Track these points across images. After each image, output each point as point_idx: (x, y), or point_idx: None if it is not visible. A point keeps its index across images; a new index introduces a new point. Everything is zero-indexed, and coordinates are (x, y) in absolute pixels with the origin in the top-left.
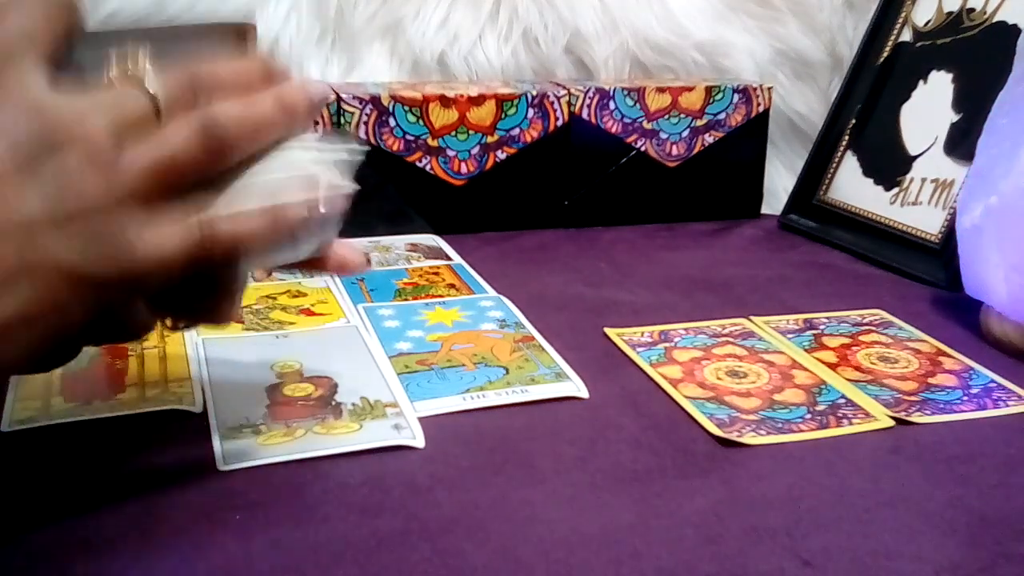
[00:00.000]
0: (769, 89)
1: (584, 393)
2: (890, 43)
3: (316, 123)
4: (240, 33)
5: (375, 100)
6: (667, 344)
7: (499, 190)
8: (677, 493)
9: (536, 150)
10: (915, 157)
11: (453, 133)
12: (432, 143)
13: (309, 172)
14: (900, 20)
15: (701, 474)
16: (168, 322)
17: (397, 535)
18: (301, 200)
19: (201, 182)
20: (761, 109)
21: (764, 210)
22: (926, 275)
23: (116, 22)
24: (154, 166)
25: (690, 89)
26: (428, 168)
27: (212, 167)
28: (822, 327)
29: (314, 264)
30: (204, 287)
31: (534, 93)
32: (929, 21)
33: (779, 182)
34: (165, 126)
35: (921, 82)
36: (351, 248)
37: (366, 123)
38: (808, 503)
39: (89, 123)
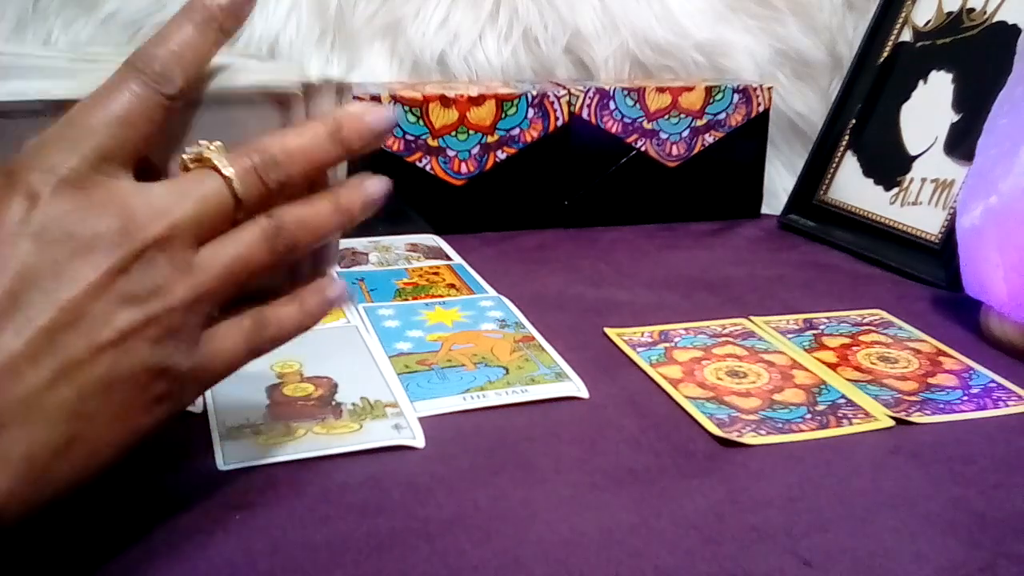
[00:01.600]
0: (769, 89)
1: (584, 393)
2: (890, 43)
3: None
4: (283, 102)
5: (375, 100)
6: (667, 344)
7: (499, 190)
8: (677, 493)
9: (536, 150)
10: (915, 157)
11: (453, 133)
12: (432, 143)
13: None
14: (900, 20)
15: (701, 474)
16: None
17: (397, 535)
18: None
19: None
20: (761, 109)
21: (764, 210)
22: (926, 275)
23: (120, 29)
24: (228, 267)
25: (690, 89)
26: (428, 168)
27: (276, 267)
28: (822, 327)
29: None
30: None
31: (534, 93)
32: (929, 21)
33: (779, 182)
34: (239, 227)
35: (921, 82)
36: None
37: None
38: (808, 503)
39: (172, 218)
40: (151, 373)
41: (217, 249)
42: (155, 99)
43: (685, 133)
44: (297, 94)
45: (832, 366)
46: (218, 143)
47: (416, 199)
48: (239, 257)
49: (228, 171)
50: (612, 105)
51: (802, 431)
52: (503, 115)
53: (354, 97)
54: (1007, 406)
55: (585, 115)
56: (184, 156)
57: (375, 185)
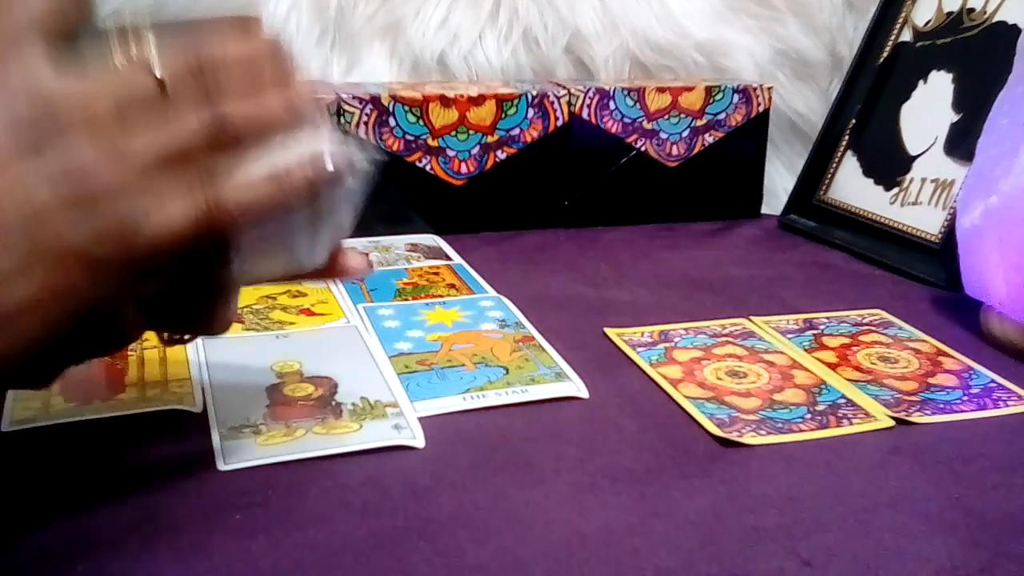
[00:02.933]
0: (769, 89)
1: (584, 393)
2: (890, 43)
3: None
4: (244, 25)
5: (375, 100)
6: (667, 344)
7: (499, 190)
8: (677, 493)
9: (536, 150)
10: (915, 157)
11: (453, 133)
12: (432, 143)
13: (315, 148)
14: (900, 20)
15: (701, 474)
16: (164, 336)
17: (397, 535)
18: (306, 163)
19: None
20: (761, 109)
21: (764, 210)
22: (926, 275)
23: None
24: (160, 154)
25: (690, 89)
26: (428, 168)
27: (216, 159)
28: (822, 327)
29: (319, 272)
30: (200, 287)
31: (534, 93)
32: (929, 21)
33: (779, 182)
34: (174, 112)
35: (921, 82)
36: (354, 253)
37: (366, 123)
38: (808, 503)
39: (94, 107)
40: (75, 256)
41: (150, 136)
42: None
43: (685, 133)
44: (257, 18)
45: (832, 366)
46: (151, 46)
47: (416, 199)
48: (175, 145)
49: (159, 70)
50: (612, 105)
51: (802, 431)
52: (503, 115)
53: (354, 97)
54: (1007, 406)
55: (585, 115)
56: (113, 47)
57: (321, 90)
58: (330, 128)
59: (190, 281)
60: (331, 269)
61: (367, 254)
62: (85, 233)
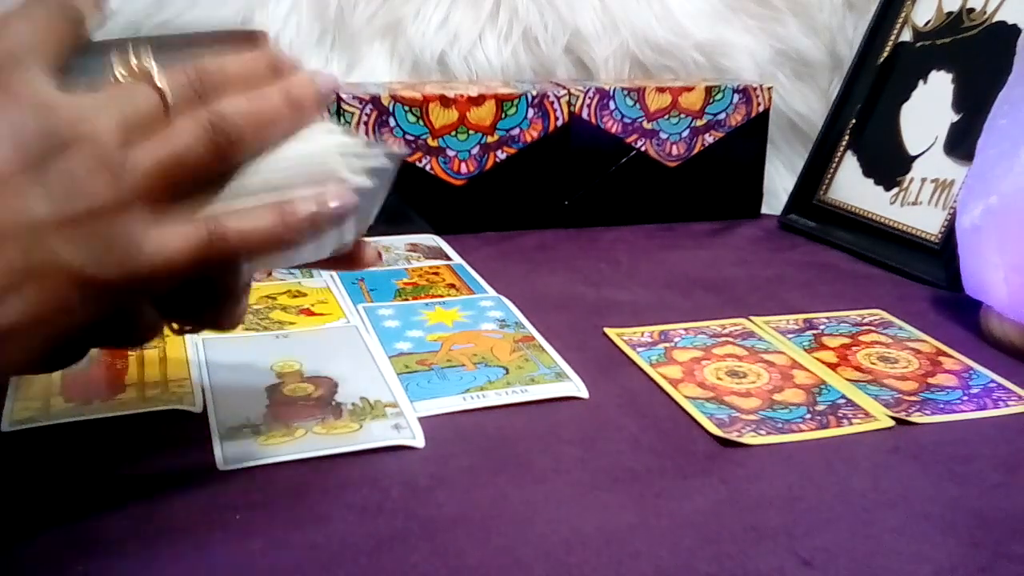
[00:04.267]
0: (769, 89)
1: (584, 393)
2: (890, 43)
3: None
4: (250, 39)
5: (375, 100)
6: (667, 344)
7: (499, 190)
8: (677, 493)
9: (536, 150)
10: (915, 157)
11: (453, 133)
12: (432, 143)
13: (323, 165)
14: (900, 20)
15: (701, 474)
16: (174, 326)
17: (397, 535)
18: (310, 197)
19: (211, 179)
20: (761, 109)
21: (764, 210)
22: (926, 275)
23: (120, 31)
24: (161, 165)
25: (690, 89)
26: (428, 168)
27: (220, 163)
28: (822, 327)
29: (330, 262)
30: (209, 289)
31: (534, 93)
32: (929, 21)
33: (779, 182)
34: (174, 123)
35: (921, 82)
36: (363, 244)
37: (366, 123)
38: (808, 503)
39: (96, 121)
40: (70, 276)
41: (149, 147)
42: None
43: (685, 133)
44: (264, 32)
45: (832, 366)
46: (151, 60)
47: (416, 199)
48: (174, 153)
49: (160, 83)
50: (612, 105)
51: (802, 431)
52: (503, 115)
53: (354, 97)
54: (1007, 406)
55: (585, 115)
56: (114, 64)
57: (325, 79)
58: (342, 134)
59: (201, 284)
60: (348, 260)
61: (379, 250)
62: (82, 253)
